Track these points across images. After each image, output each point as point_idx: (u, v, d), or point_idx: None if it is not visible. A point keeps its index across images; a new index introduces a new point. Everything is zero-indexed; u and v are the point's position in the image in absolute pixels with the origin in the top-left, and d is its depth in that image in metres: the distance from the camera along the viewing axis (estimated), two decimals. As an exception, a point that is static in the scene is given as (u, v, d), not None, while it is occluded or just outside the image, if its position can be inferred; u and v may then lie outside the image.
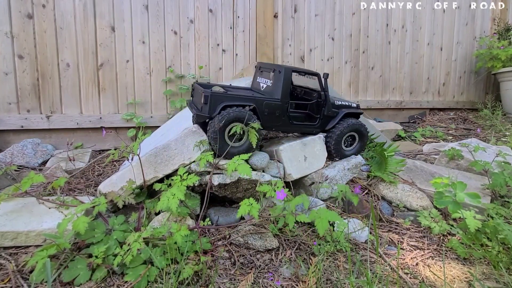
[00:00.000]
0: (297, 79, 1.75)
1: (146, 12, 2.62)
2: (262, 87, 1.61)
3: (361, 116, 1.83)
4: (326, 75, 1.57)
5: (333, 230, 1.26)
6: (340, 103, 1.68)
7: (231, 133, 1.34)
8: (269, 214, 1.30)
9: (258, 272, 1.06)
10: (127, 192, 1.19)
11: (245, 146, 1.38)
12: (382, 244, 1.27)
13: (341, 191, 1.43)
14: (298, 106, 1.66)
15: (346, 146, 1.71)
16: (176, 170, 1.32)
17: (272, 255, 1.16)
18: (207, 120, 1.37)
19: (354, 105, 1.74)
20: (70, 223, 0.97)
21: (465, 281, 1.06)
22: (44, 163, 2.14)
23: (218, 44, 2.88)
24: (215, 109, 1.31)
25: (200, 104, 1.37)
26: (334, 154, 1.66)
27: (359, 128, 1.67)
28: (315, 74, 1.58)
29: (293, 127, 1.56)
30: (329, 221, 1.09)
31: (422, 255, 1.21)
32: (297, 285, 1.01)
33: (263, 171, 1.43)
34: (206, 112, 1.32)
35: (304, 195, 1.17)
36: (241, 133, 1.36)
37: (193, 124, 1.49)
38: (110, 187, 1.31)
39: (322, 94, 1.59)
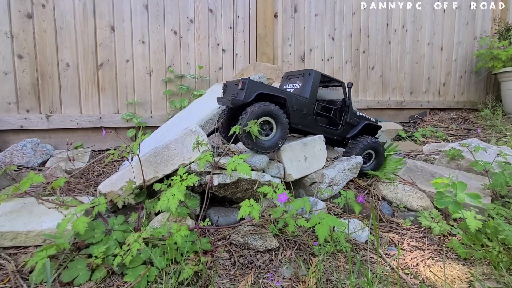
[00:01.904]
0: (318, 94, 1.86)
1: (146, 12, 2.61)
2: (290, 91, 1.67)
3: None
4: (350, 84, 1.69)
5: (334, 231, 1.26)
6: (361, 114, 1.79)
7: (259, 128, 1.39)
8: (269, 215, 1.30)
9: (258, 273, 1.06)
10: (126, 192, 1.18)
11: (273, 141, 1.41)
12: (383, 245, 1.27)
13: (344, 197, 1.43)
14: (323, 109, 1.76)
15: (363, 163, 1.74)
16: (176, 170, 1.32)
17: (272, 256, 1.15)
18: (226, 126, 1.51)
19: (373, 120, 1.84)
20: (69, 223, 0.97)
21: (465, 281, 1.05)
22: (43, 163, 2.13)
23: (218, 44, 2.88)
24: (250, 95, 1.36)
25: (235, 92, 1.42)
26: None
27: (377, 147, 1.75)
28: (340, 82, 1.68)
29: (318, 128, 1.63)
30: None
31: (423, 255, 1.21)
32: (297, 285, 1.00)
33: (263, 171, 1.42)
34: (242, 97, 1.36)
35: (305, 198, 1.17)
36: (270, 128, 1.42)
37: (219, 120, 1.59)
38: (110, 187, 1.30)
39: (346, 100, 1.69)
